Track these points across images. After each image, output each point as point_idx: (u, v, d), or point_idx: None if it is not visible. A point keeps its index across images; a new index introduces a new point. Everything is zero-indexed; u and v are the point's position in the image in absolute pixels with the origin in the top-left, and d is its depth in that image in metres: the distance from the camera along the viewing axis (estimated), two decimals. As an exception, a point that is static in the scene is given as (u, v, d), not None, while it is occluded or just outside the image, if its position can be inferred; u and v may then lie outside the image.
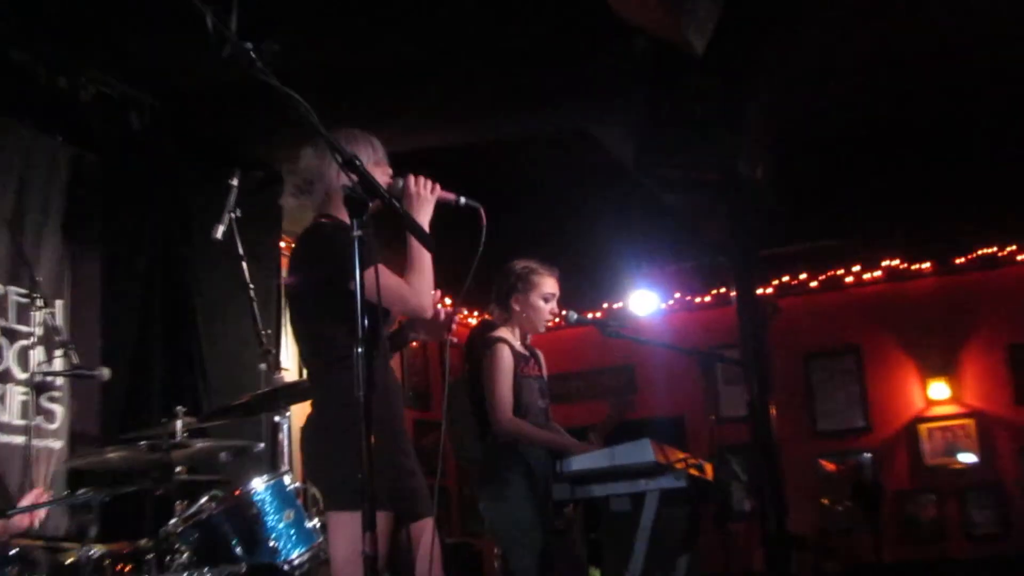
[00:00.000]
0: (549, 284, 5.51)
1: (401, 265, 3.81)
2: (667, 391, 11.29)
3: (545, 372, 5.59)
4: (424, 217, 3.81)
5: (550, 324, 5.60)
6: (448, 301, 4.16)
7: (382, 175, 3.90)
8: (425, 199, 3.83)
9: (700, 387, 6.04)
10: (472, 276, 3.76)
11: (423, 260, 3.79)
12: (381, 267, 3.61)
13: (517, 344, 5.45)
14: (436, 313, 4.04)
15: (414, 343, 4.25)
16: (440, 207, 3.89)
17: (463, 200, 3.88)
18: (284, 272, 7.71)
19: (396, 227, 3.59)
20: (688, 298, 12.07)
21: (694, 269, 11.43)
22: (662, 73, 6.35)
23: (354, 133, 3.94)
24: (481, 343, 5.41)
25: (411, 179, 3.86)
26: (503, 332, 5.45)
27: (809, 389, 11.71)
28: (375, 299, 3.31)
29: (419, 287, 3.76)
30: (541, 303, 5.47)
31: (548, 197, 8.74)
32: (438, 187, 3.88)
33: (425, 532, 3.84)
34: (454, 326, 4.13)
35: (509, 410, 5.25)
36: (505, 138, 7.80)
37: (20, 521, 4.51)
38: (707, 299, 12.02)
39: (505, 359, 5.31)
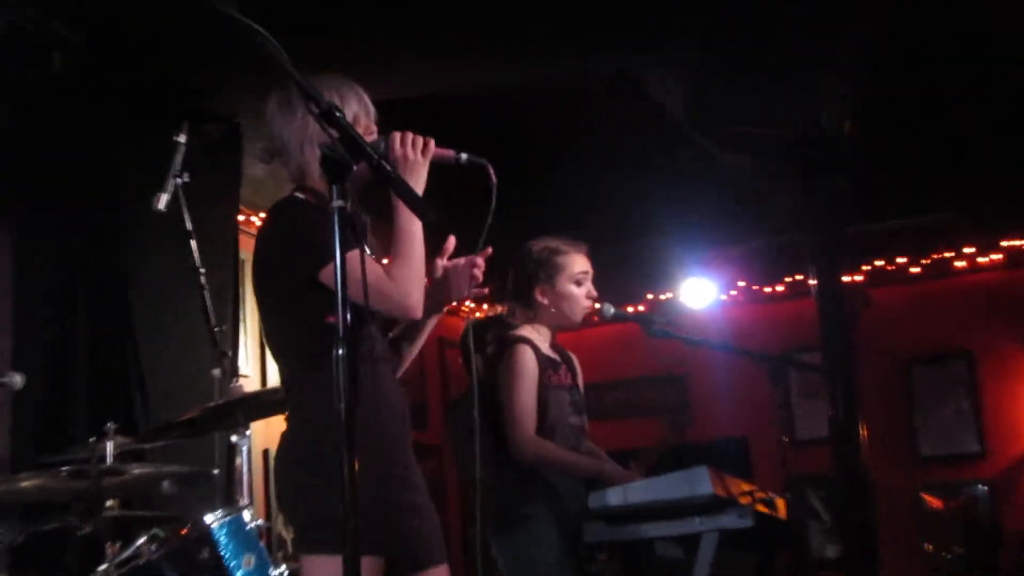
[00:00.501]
0: (579, 262, 5.52)
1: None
2: (728, 406, 11.30)
3: (580, 381, 5.60)
4: (417, 185, 3.77)
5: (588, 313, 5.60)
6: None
7: (364, 133, 3.87)
8: (416, 163, 3.80)
9: (770, 401, 6.03)
10: (483, 246, 3.76)
11: (412, 245, 3.76)
12: (356, 254, 3.55)
13: (544, 346, 5.46)
14: (456, 267, 4.04)
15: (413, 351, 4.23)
16: (436, 170, 3.86)
17: (464, 157, 3.85)
18: (243, 254, 7.81)
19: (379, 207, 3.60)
20: (755, 288, 12.07)
21: (762, 251, 11.42)
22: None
23: (328, 80, 3.91)
24: (497, 344, 5.42)
25: (396, 137, 3.83)
26: (525, 331, 5.46)
27: (909, 404, 11.71)
28: (358, 297, 3.28)
29: (405, 279, 3.72)
30: (573, 288, 5.49)
31: (579, 162, 8.73)
32: (431, 144, 3.84)
33: None
34: (479, 277, 4.05)
35: (531, 428, 5.26)
36: (528, 85, 7.77)
37: None
38: (779, 289, 12.02)
39: (528, 364, 5.32)
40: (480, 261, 4.01)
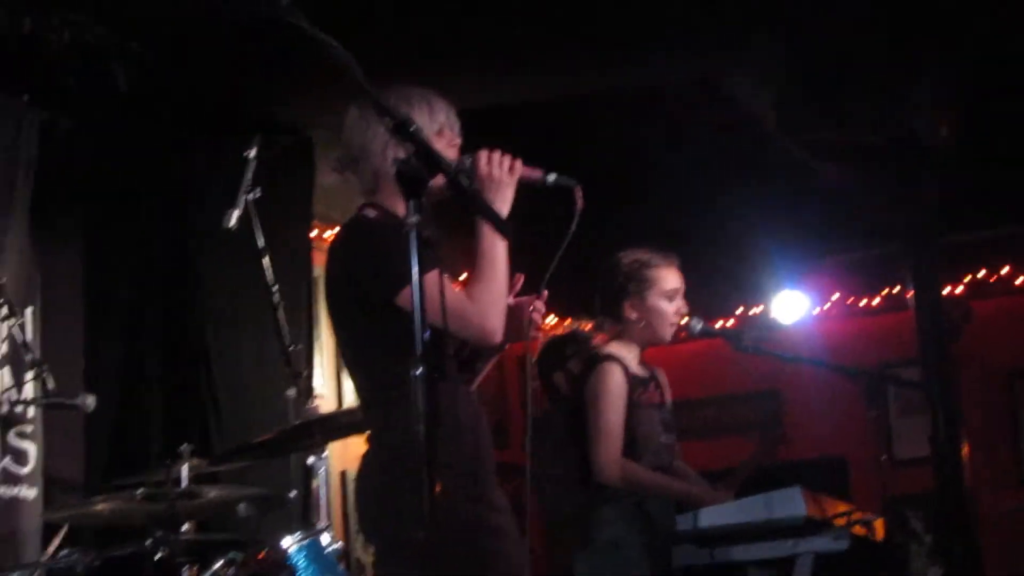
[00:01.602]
0: (671, 278, 5.50)
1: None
2: (823, 424, 11.23)
3: (668, 397, 5.60)
4: (503, 205, 3.79)
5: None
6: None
7: (447, 147, 3.91)
8: (502, 182, 3.81)
9: (867, 419, 6.01)
10: (556, 266, 3.75)
11: (495, 267, 3.78)
12: (434, 275, 3.46)
13: (632, 363, 5.46)
14: (517, 307, 4.03)
15: (489, 367, 4.22)
16: (520, 190, 3.87)
17: (552, 178, 3.88)
18: (317, 270, 7.89)
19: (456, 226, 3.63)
20: (850, 301, 11.99)
21: (857, 263, 11.36)
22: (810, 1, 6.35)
23: (408, 92, 3.94)
24: (584, 362, 5.44)
25: (482, 157, 3.84)
26: (613, 347, 5.46)
27: (1013, 421, 11.59)
28: (435, 319, 3.27)
29: (486, 303, 3.74)
30: (664, 304, 5.46)
31: (663, 171, 8.74)
32: (519, 164, 3.85)
33: None
34: (540, 319, 4.05)
35: (617, 449, 5.26)
36: (608, 93, 7.81)
37: None
38: (875, 302, 11.93)
39: (615, 383, 5.33)
40: (540, 304, 4.00)
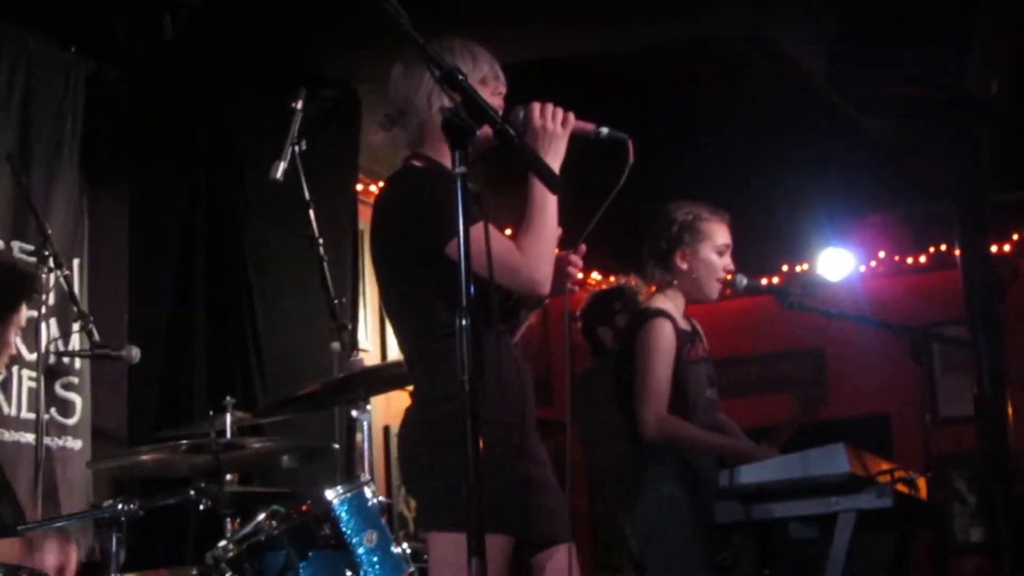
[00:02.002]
0: (722, 233, 5.51)
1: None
2: (867, 382, 11.19)
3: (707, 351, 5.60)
4: (555, 159, 3.76)
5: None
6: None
7: (490, 96, 3.87)
8: (555, 135, 3.79)
9: (912, 377, 5.97)
10: (599, 220, 3.72)
11: (544, 218, 3.76)
12: (485, 226, 3.51)
13: (679, 317, 5.45)
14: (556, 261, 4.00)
15: (529, 321, 4.19)
16: (571, 143, 3.85)
17: (604, 131, 3.85)
18: (362, 224, 7.89)
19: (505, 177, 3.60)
20: (896, 258, 11.92)
21: (904, 220, 11.29)
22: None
23: (450, 42, 3.92)
24: (633, 317, 5.42)
25: (535, 108, 3.82)
26: (661, 301, 5.45)
27: (1060, 381, 11.51)
28: (482, 269, 3.27)
29: (536, 254, 3.72)
30: (715, 257, 5.47)
31: (714, 127, 8.70)
32: (571, 116, 3.83)
33: (557, 560, 3.86)
34: (577, 273, 4.01)
35: (663, 406, 5.25)
36: (653, 47, 7.76)
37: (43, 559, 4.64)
38: (922, 260, 11.86)
39: (665, 338, 5.31)
40: (576, 259, 3.97)
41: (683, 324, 5.46)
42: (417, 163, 3.93)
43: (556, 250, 3.90)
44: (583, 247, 3.95)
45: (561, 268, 3.94)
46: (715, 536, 5.27)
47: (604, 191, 3.73)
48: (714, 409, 5.47)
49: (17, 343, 5.30)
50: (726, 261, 5.50)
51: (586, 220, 3.82)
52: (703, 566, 5.18)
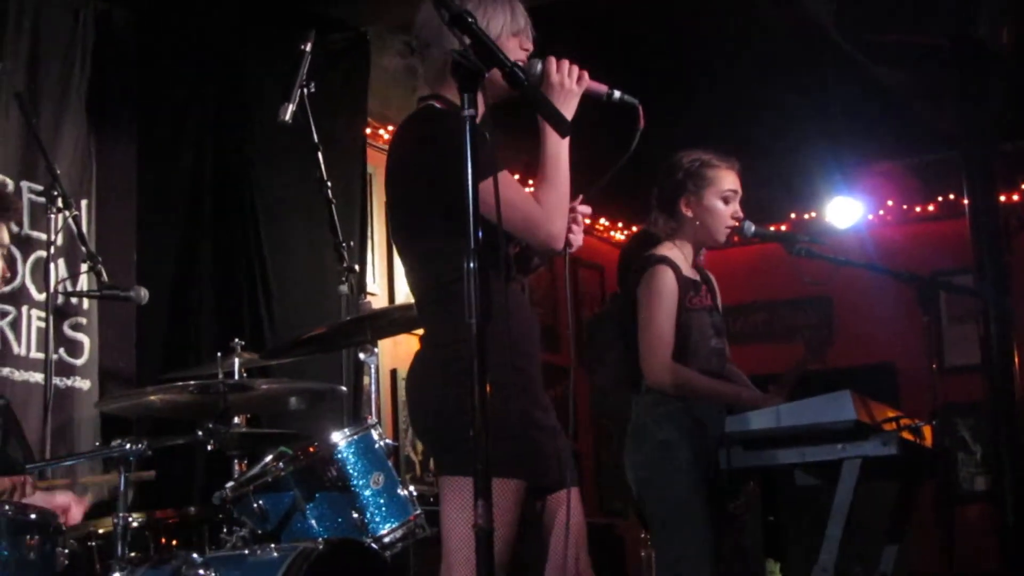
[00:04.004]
0: (729, 179, 5.48)
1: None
2: (873, 330, 11.20)
3: (719, 302, 5.59)
4: (566, 115, 3.74)
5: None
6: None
7: (518, 50, 3.89)
8: (569, 91, 3.80)
9: (918, 325, 5.96)
10: (611, 177, 3.71)
11: (559, 171, 3.77)
12: (504, 175, 3.60)
13: (685, 266, 5.44)
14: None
15: (539, 268, 4.20)
16: (583, 103, 3.85)
17: (617, 94, 3.86)
18: (371, 167, 7.89)
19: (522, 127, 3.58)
20: (904, 207, 11.91)
21: (913, 168, 11.27)
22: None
23: None
24: (636, 264, 5.41)
25: (552, 62, 3.83)
26: (666, 249, 5.44)
27: (1066, 331, 11.51)
28: (494, 217, 3.27)
29: (551, 206, 3.73)
30: (720, 204, 5.45)
31: (722, 74, 8.67)
32: (586, 76, 3.84)
33: (564, 503, 3.86)
34: (578, 228, 3.98)
35: (667, 352, 5.25)
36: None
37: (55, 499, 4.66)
38: (930, 208, 11.85)
39: (667, 285, 5.30)
40: (583, 208, 3.96)
41: (689, 272, 5.44)
42: (437, 104, 3.91)
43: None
44: (581, 196, 3.95)
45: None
46: (719, 483, 5.27)
47: (614, 151, 3.72)
48: (721, 359, 5.46)
49: (26, 283, 5.30)
50: (733, 208, 5.47)
51: (596, 179, 3.82)
52: (700, 511, 5.17)
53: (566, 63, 3.83)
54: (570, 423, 3.87)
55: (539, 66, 3.83)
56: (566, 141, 3.77)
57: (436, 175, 3.69)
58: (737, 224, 5.50)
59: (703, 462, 5.20)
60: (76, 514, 4.63)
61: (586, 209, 3.98)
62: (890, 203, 11.88)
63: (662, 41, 8.07)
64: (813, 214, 11.66)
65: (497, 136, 3.75)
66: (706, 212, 5.44)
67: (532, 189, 3.81)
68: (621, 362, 5.45)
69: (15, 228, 5.32)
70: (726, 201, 5.45)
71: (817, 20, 7.04)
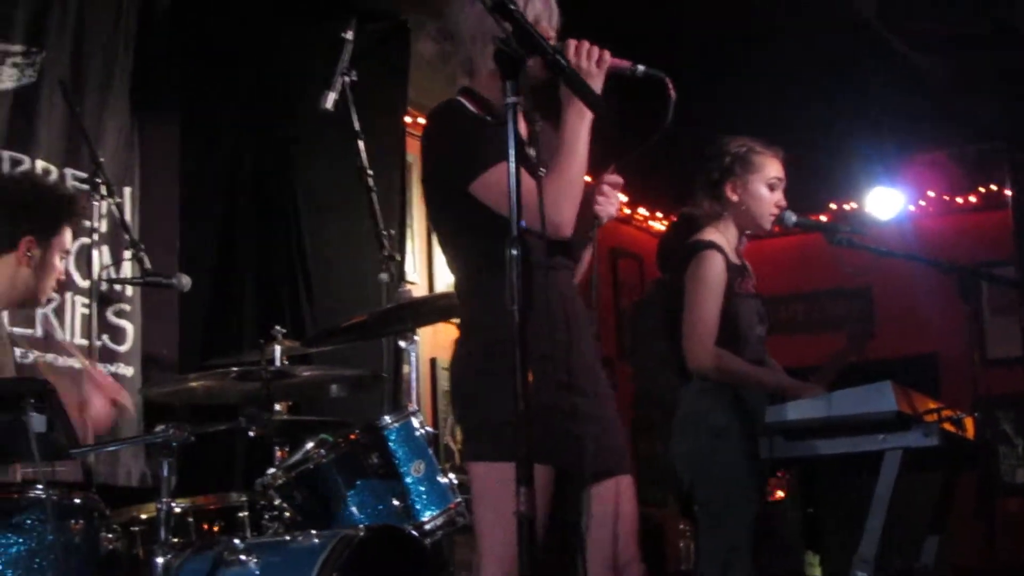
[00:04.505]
0: (774, 167, 5.48)
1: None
2: (915, 321, 11.15)
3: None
4: None
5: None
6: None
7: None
8: (590, 73, 3.74)
9: (960, 317, 5.94)
10: (648, 147, 3.69)
11: (572, 157, 3.75)
12: (505, 165, 3.54)
13: (730, 251, 5.43)
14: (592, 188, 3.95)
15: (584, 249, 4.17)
16: (608, 81, 3.80)
17: (640, 69, 3.81)
18: (410, 156, 7.90)
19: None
20: (946, 198, 11.86)
21: (955, 159, 11.21)
22: None
23: None
24: (682, 249, 5.40)
25: (571, 45, 3.79)
26: (712, 234, 5.43)
27: (1109, 323, 11.44)
28: (496, 205, 3.27)
29: (557, 196, 3.69)
30: (765, 191, 5.45)
31: (760, 61, 8.65)
32: (607, 55, 3.79)
33: (613, 492, 3.86)
34: (605, 200, 3.94)
35: (711, 338, 5.24)
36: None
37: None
38: (972, 199, 11.79)
39: (715, 270, 5.29)
40: (612, 179, 3.94)
41: (734, 258, 5.44)
42: (461, 99, 3.91)
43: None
44: (613, 167, 3.93)
45: (589, 201, 3.91)
46: (765, 470, 5.27)
47: (644, 128, 3.71)
48: (762, 346, 5.45)
49: (70, 269, 5.33)
50: (777, 196, 5.48)
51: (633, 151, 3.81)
52: (752, 498, 5.17)
53: (585, 44, 3.78)
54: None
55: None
56: (585, 128, 3.75)
57: (448, 173, 3.75)
58: (779, 212, 5.50)
59: (751, 449, 5.19)
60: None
61: (616, 179, 3.96)
62: (932, 194, 11.83)
63: (701, 29, 8.06)
64: (854, 204, 11.62)
65: (538, 119, 3.77)
66: (751, 198, 5.44)
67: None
68: (667, 350, 5.44)
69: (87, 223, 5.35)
70: (771, 188, 5.46)
71: (859, 10, 7.02)
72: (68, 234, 4.88)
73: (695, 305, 5.28)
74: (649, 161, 3.92)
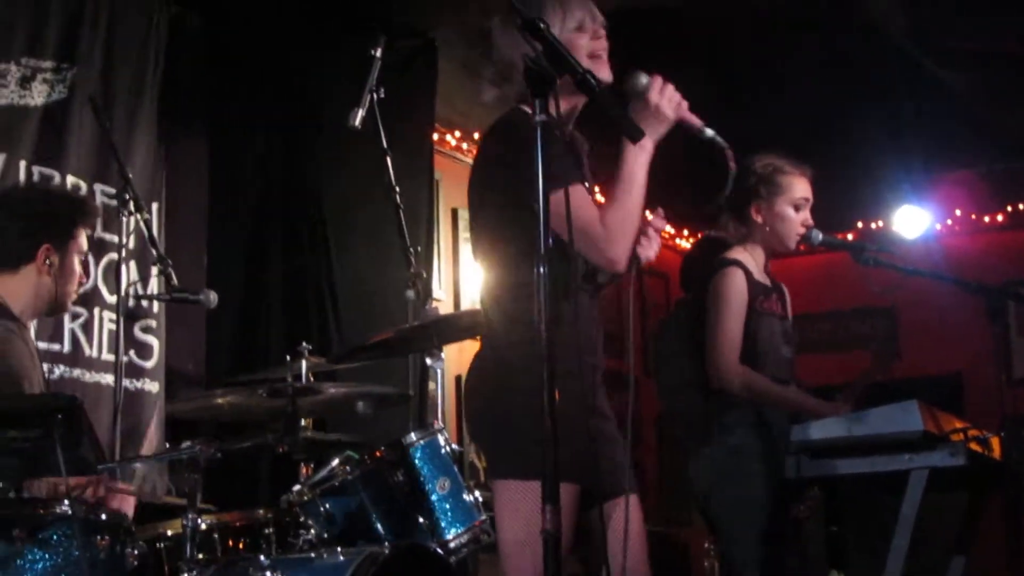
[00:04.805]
0: (801, 186, 5.47)
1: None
2: (941, 340, 11.12)
3: (790, 311, 5.57)
4: (653, 137, 3.73)
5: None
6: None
7: (590, 41, 3.87)
8: (663, 117, 3.74)
9: (986, 336, 5.92)
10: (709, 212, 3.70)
11: (631, 190, 3.72)
12: (575, 188, 3.57)
13: (756, 270, 5.43)
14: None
15: (606, 285, 4.18)
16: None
17: (709, 133, 3.79)
18: (438, 173, 7.91)
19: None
20: (973, 216, 11.82)
21: (983, 177, 11.18)
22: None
23: None
24: (708, 266, 5.40)
25: (657, 83, 3.76)
26: (738, 253, 5.43)
27: None
28: (556, 228, 3.26)
29: (617, 231, 3.70)
30: (791, 211, 5.44)
31: (788, 80, 8.64)
32: (685, 105, 3.78)
33: (623, 510, 3.87)
34: (648, 242, 3.94)
35: (736, 355, 5.24)
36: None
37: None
38: (999, 218, 11.75)
39: (736, 287, 5.29)
40: (658, 223, 3.94)
41: (760, 277, 5.43)
42: (525, 108, 3.84)
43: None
44: (660, 209, 3.94)
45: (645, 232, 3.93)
46: (785, 490, 5.25)
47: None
48: (790, 369, 5.44)
49: (98, 284, 5.34)
50: (804, 215, 5.47)
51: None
52: (769, 518, 5.16)
53: (670, 87, 3.77)
54: (627, 429, 3.87)
55: (644, 80, 3.76)
56: (644, 162, 3.74)
57: (511, 178, 3.67)
58: (805, 231, 5.49)
59: (773, 468, 5.18)
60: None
61: (663, 223, 3.96)
62: (959, 212, 11.79)
63: (733, 48, 8.05)
64: (880, 223, 11.59)
65: (582, 144, 3.76)
66: (777, 219, 5.44)
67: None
68: (688, 367, 5.44)
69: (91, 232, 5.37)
70: (797, 208, 5.45)
71: (887, 28, 7.00)
72: (83, 236, 4.92)
73: (717, 322, 5.28)
74: (676, 178, 3.92)
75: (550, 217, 2.98)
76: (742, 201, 5.46)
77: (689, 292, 5.66)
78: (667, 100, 3.75)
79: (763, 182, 5.45)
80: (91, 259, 6.01)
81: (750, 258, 5.43)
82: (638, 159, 3.74)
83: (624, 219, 3.71)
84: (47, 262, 4.80)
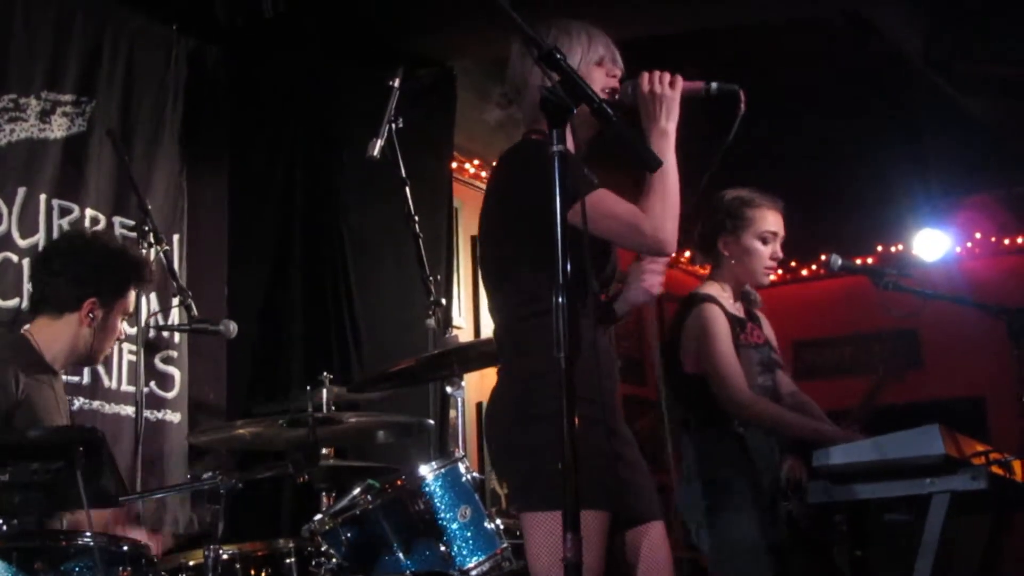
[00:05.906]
0: (769, 219, 5.43)
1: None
2: (962, 364, 11.10)
3: (771, 336, 5.56)
4: (669, 122, 3.81)
5: (773, 277, 5.52)
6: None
7: (606, 77, 3.94)
8: (667, 98, 3.82)
9: (1007, 359, 5.90)
10: (717, 164, 3.73)
11: (665, 180, 3.76)
12: (604, 192, 3.67)
13: (729, 303, 5.41)
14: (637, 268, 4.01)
15: (622, 319, 4.19)
16: (684, 106, 3.86)
17: (714, 86, 3.87)
18: (457, 201, 7.92)
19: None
20: (993, 239, 11.81)
21: (1003, 200, 11.17)
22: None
23: (567, 24, 3.97)
24: (681, 303, 5.39)
25: (643, 77, 3.85)
26: (710, 288, 5.42)
27: None
28: (607, 233, 3.30)
29: (659, 213, 3.72)
30: (758, 245, 5.40)
31: (807, 105, 8.65)
32: (679, 78, 3.86)
33: (648, 537, 3.87)
34: (653, 277, 4.00)
35: (742, 382, 5.21)
36: (748, 23, 7.73)
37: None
38: (1020, 241, 11.75)
39: (718, 321, 5.27)
40: (662, 260, 3.98)
41: (733, 309, 5.41)
42: (535, 136, 3.93)
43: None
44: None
45: (642, 272, 4.00)
46: (780, 520, 5.24)
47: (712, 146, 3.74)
48: (770, 396, 5.40)
49: (123, 326, 5.37)
50: (772, 248, 5.41)
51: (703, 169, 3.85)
52: (763, 550, 5.15)
53: (657, 72, 3.85)
54: (662, 454, 3.88)
55: (631, 86, 3.87)
56: (670, 145, 3.80)
57: (528, 204, 3.66)
58: (777, 268, 5.47)
59: (759, 499, 5.18)
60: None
61: (664, 260, 4.00)
62: (979, 235, 11.78)
63: (749, 73, 8.05)
64: (900, 246, 11.58)
65: (592, 178, 3.77)
66: (744, 252, 5.41)
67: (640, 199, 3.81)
68: (667, 400, 5.45)
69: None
70: (764, 242, 5.41)
71: (907, 53, 7.01)
72: (132, 297, 4.96)
73: (716, 353, 5.25)
74: (694, 204, 3.93)
75: (584, 222, 3.00)
76: (710, 234, 5.46)
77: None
78: (659, 83, 3.84)
79: (729, 215, 5.41)
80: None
81: (721, 291, 5.42)
82: (663, 145, 3.79)
83: (664, 201, 3.75)
84: (91, 315, 4.85)
